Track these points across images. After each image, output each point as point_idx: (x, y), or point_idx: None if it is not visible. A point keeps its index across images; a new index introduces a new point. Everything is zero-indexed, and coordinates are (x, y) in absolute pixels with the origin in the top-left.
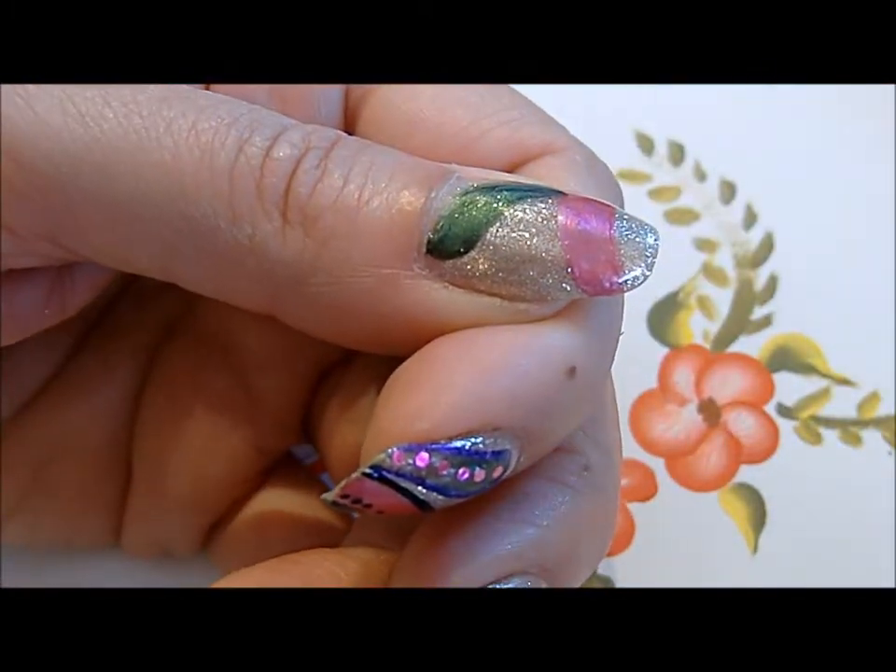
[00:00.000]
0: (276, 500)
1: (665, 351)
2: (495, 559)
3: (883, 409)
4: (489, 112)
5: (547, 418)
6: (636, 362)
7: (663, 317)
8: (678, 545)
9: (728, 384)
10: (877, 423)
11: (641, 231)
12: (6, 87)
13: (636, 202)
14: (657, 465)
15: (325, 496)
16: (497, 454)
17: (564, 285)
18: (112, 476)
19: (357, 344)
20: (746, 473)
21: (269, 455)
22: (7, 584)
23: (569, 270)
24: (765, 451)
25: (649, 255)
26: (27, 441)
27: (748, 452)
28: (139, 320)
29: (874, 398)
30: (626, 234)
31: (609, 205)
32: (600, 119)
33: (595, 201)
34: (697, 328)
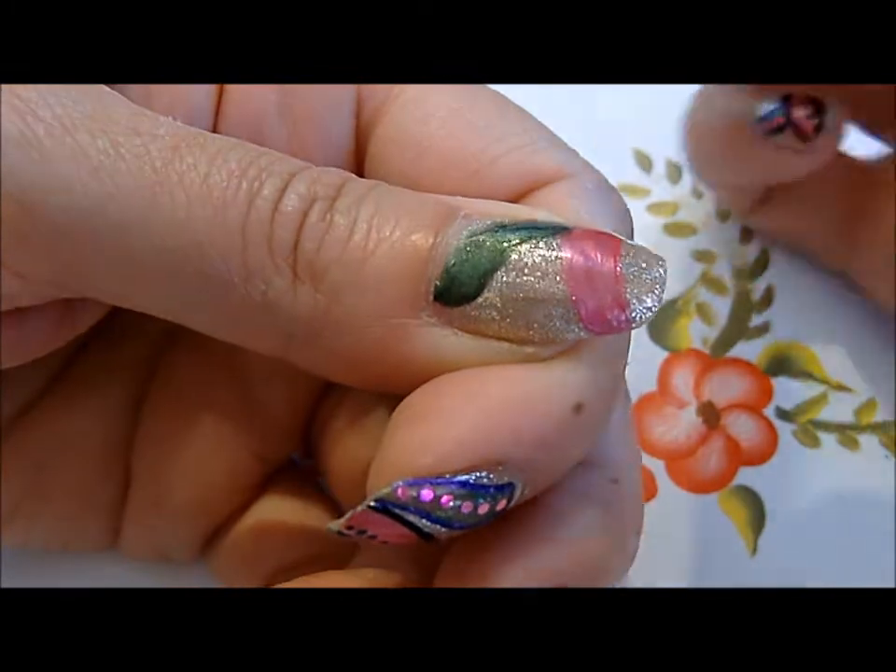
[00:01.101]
0: (276, 508)
1: (664, 354)
2: (529, 575)
3: (880, 415)
4: (499, 137)
5: (552, 454)
6: (635, 365)
7: (662, 323)
8: (677, 546)
9: (727, 387)
10: (874, 428)
11: (648, 264)
12: (19, 136)
13: (635, 215)
14: (657, 467)
15: (330, 525)
16: (501, 487)
17: (571, 326)
18: (111, 481)
19: (367, 387)
20: (745, 475)
21: (270, 464)
22: (6, 584)
23: (576, 311)
24: (764, 453)
25: (656, 288)
26: (27, 443)
27: (747, 454)
28: (143, 326)
29: (871, 405)
30: (633, 269)
31: (615, 239)
32: (599, 135)
33: (601, 235)
34: (696, 334)
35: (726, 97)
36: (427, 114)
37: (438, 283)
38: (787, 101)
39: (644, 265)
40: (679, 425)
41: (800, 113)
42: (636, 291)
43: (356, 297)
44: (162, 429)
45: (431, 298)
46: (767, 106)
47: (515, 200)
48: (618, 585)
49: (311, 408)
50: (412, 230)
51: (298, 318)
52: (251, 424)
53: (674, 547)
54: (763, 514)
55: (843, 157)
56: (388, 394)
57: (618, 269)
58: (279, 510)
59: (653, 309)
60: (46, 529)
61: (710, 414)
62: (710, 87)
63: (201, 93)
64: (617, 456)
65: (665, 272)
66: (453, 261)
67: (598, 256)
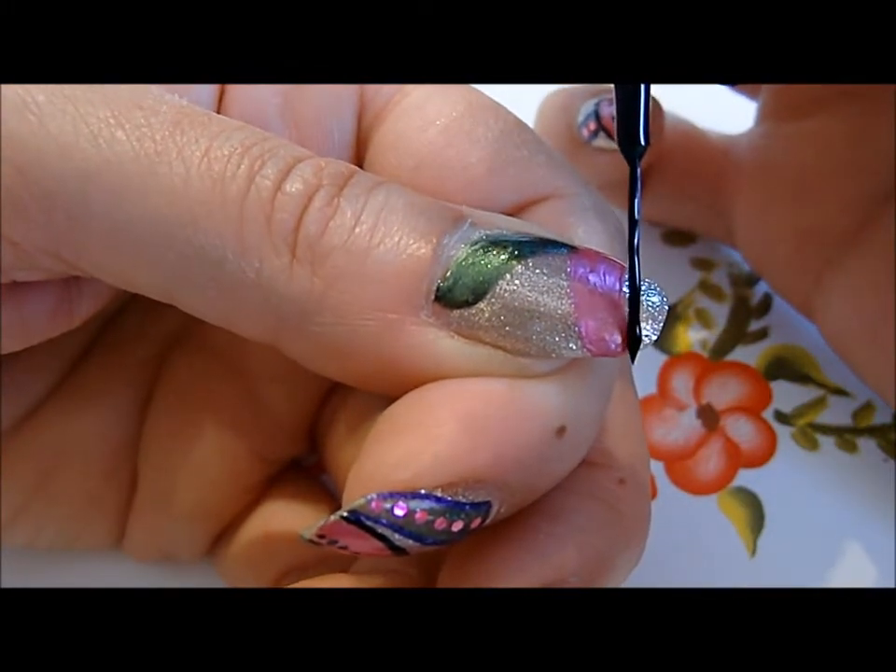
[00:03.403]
0: (282, 509)
1: (664, 358)
2: (535, 575)
3: (878, 418)
4: (497, 149)
5: (531, 475)
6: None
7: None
8: (677, 547)
9: (726, 390)
10: (872, 431)
11: (649, 292)
12: (20, 103)
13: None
14: (657, 468)
15: (301, 532)
16: (476, 505)
17: (570, 343)
18: (117, 483)
19: (356, 383)
20: (744, 477)
21: (275, 464)
22: (6, 584)
23: (576, 329)
24: (763, 456)
25: (656, 317)
26: (33, 446)
27: (746, 456)
28: (146, 328)
29: (868, 408)
30: (637, 294)
31: (619, 264)
32: None
33: (607, 259)
34: (695, 338)
35: (559, 105)
36: (427, 122)
37: (440, 283)
38: (599, 104)
39: (646, 292)
40: (679, 427)
41: (605, 113)
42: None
43: (355, 286)
44: (167, 432)
45: (432, 298)
46: (585, 111)
47: (512, 213)
48: (618, 585)
49: (315, 409)
50: (419, 227)
51: (291, 300)
52: (256, 425)
53: (674, 547)
54: (762, 516)
55: (697, 138)
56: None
57: (621, 293)
58: (285, 511)
59: (652, 337)
60: (51, 530)
61: (710, 417)
62: (552, 95)
63: (202, 96)
64: (624, 456)
65: (666, 300)
66: (458, 264)
67: (604, 278)
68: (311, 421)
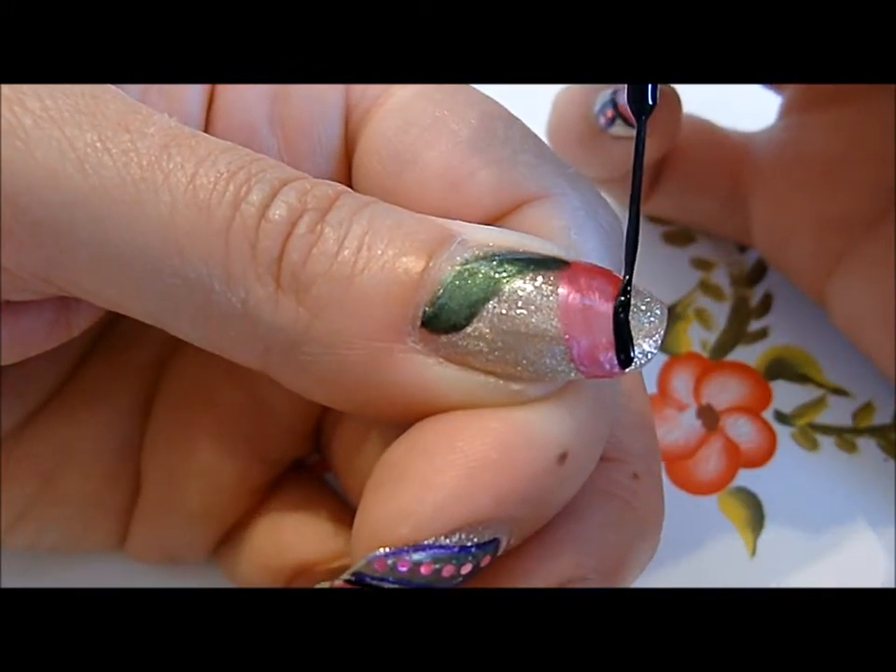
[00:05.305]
0: (286, 509)
1: (664, 358)
2: (555, 572)
3: (878, 419)
4: (481, 148)
5: (537, 505)
6: None
7: None
8: (677, 547)
9: (726, 390)
10: (872, 431)
11: (647, 307)
12: (7, 128)
13: None
14: None
15: None
16: (483, 545)
17: (562, 365)
18: (121, 486)
19: (349, 410)
20: (744, 477)
21: (279, 466)
22: (6, 584)
23: (568, 350)
24: (763, 456)
25: (652, 332)
26: (34, 450)
27: (746, 456)
28: (147, 332)
29: (868, 408)
30: (631, 311)
31: (614, 278)
32: None
33: (600, 273)
34: (695, 337)
35: (575, 96)
36: (409, 123)
37: (427, 309)
38: (616, 92)
39: (643, 308)
40: (679, 427)
41: (622, 101)
42: (632, 334)
43: (340, 315)
44: (171, 434)
45: (419, 324)
46: (601, 99)
47: (499, 216)
48: (634, 579)
49: (319, 410)
50: (404, 251)
51: (278, 330)
52: (259, 428)
53: (674, 548)
54: (762, 516)
55: (715, 134)
56: None
57: (616, 310)
58: (289, 510)
59: (649, 355)
60: (53, 533)
61: (709, 417)
62: (564, 89)
63: (192, 103)
64: (637, 451)
65: (665, 314)
66: (444, 288)
67: (596, 295)
68: (315, 422)
